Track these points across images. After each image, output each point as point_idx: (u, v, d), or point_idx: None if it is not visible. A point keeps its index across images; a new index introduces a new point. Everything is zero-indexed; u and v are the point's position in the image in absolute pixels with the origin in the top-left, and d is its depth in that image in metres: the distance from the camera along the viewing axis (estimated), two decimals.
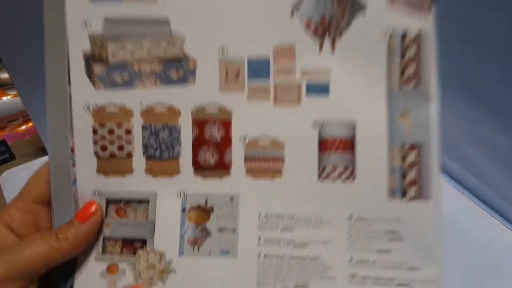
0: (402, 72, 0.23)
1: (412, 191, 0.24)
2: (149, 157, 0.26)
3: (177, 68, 0.25)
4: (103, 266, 0.25)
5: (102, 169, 0.26)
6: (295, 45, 0.24)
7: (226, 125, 0.25)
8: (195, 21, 0.24)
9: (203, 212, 0.25)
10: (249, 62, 0.24)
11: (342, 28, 0.23)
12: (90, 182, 0.25)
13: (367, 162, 0.24)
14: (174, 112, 0.25)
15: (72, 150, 0.25)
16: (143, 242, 0.25)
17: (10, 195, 0.49)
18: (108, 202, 0.26)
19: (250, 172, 0.25)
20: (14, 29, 0.42)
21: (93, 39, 0.25)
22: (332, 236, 0.24)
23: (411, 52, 0.23)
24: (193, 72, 0.25)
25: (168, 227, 0.25)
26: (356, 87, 0.24)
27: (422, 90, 0.23)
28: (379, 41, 0.23)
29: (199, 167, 0.25)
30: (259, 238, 0.25)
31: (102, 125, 0.25)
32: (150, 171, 0.25)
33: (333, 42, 0.24)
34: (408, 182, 0.24)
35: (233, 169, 0.25)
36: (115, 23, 0.24)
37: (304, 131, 0.24)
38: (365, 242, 0.24)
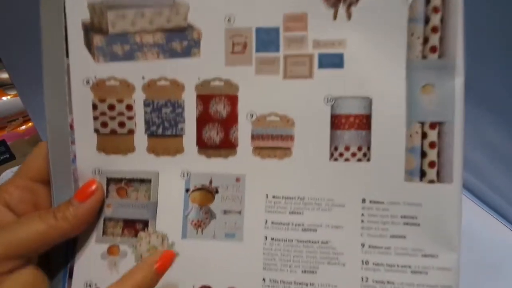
0: (426, 40, 0.21)
1: (431, 173, 0.22)
2: (151, 135, 0.24)
3: (180, 39, 0.23)
4: (104, 247, 0.25)
5: (103, 147, 0.25)
6: (307, 13, 0.22)
7: (232, 100, 0.24)
8: None
9: (208, 193, 0.24)
10: (258, 32, 0.23)
11: None
12: (90, 160, 0.25)
13: (384, 141, 0.22)
14: (177, 87, 0.24)
15: (71, 127, 0.24)
16: (145, 224, 0.24)
17: None
18: (109, 181, 0.25)
19: (258, 151, 0.24)
20: (14, 29, 0.42)
21: (92, 7, 0.24)
22: (344, 220, 0.23)
23: (436, 18, 0.21)
24: (197, 43, 0.23)
25: (170, 208, 0.24)
26: (373, 59, 0.22)
27: (447, 61, 0.22)
28: (400, 4, 0.21)
29: (203, 145, 0.24)
30: (266, 221, 0.23)
31: (102, 100, 0.24)
32: (152, 149, 0.24)
33: (348, 7, 0.22)
34: (427, 164, 0.22)
35: (239, 148, 0.24)
36: None
37: (316, 107, 0.23)
38: (379, 227, 0.23)
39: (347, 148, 0.23)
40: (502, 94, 0.37)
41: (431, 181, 0.22)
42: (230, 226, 0.24)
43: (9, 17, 0.41)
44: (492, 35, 0.35)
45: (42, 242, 0.22)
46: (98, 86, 0.24)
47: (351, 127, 0.23)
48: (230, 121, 0.24)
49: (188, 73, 0.24)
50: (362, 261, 0.23)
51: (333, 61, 0.22)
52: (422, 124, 0.22)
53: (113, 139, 0.25)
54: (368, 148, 0.23)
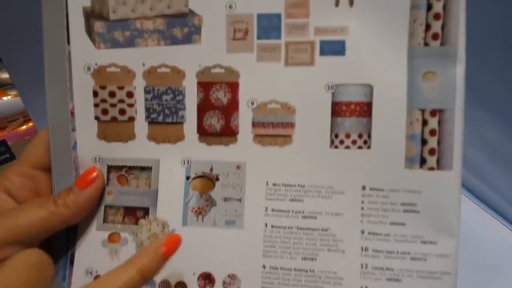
0: (428, 27, 0.21)
1: (431, 161, 0.22)
2: (151, 122, 0.24)
3: (181, 26, 0.23)
4: (105, 235, 0.25)
5: (103, 134, 0.24)
6: None
7: (233, 87, 0.23)
8: None
9: (208, 180, 0.24)
10: (259, 18, 0.23)
11: None
12: (90, 147, 0.25)
13: (384, 128, 0.22)
14: (178, 74, 0.24)
15: (72, 114, 0.24)
16: (146, 211, 0.24)
17: None
18: (110, 168, 0.25)
19: (258, 138, 0.24)
20: (14, 29, 0.42)
21: None
22: (344, 207, 0.23)
23: (438, 5, 0.21)
24: (198, 30, 0.23)
25: (171, 196, 0.24)
26: (374, 46, 0.22)
27: (449, 49, 0.21)
28: None
29: (204, 132, 0.24)
30: (266, 208, 0.23)
31: (103, 87, 0.24)
32: (152, 137, 0.24)
33: None
34: (427, 151, 0.22)
35: (240, 135, 0.24)
36: None
37: (317, 94, 0.23)
38: (379, 214, 0.23)
39: (347, 136, 0.23)
40: (502, 94, 0.37)
41: (431, 168, 0.22)
42: (230, 213, 0.24)
43: (9, 17, 0.41)
44: (492, 35, 0.34)
45: (43, 228, 0.22)
46: (99, 73, 0.24)
47: (352, 114, 0.23)
48: (230, 108, 0.24)
49: (189, 60, 0.23)
50: (362, 248, 0.23)
51: (335, 48, 0.22)
52: (423, 111, 0.22)
53: (113, 126, 0.24)
54: (369, 136, 0.23)
